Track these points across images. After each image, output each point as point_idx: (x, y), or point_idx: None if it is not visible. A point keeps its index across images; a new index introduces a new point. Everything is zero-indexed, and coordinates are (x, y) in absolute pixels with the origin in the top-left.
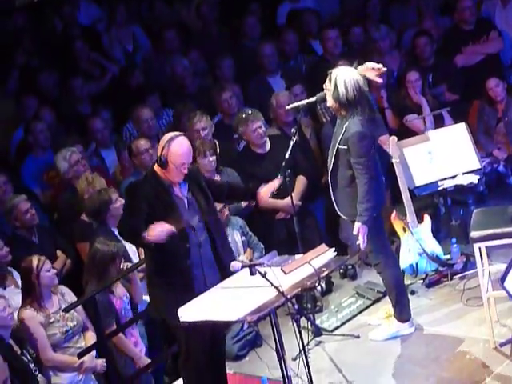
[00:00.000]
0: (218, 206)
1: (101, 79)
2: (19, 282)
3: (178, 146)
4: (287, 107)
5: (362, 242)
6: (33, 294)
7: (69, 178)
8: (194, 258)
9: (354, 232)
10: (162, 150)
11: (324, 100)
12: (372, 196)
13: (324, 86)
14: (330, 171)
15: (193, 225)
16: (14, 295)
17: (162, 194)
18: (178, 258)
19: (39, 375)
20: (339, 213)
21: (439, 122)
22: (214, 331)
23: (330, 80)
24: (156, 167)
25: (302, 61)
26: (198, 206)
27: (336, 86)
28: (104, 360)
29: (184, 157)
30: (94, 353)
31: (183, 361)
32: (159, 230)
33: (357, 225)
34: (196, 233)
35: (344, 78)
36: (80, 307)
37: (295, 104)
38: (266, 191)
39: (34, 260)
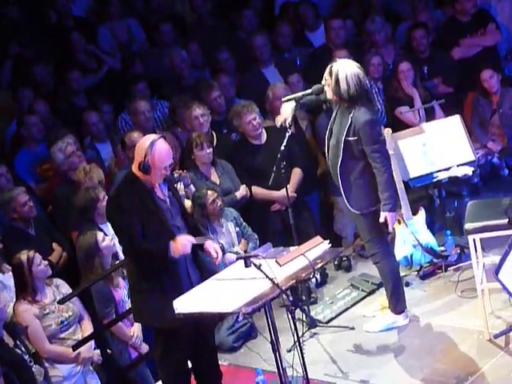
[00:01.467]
0: (212, 196)
1: (97, 72)
2: None
3: (160, 150)
4: (283, 99)
5: (391, 229)
6: (27, 289)
7: (64, 170)
8: (179, 257)
9: (381, 220)
10: (146, 157)
11: (320, 92)
12: (392, 182)
13: (324, 78)
14: (338, 166)
15: (177, 224)
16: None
17: (145, 199)
18: (165, 259)
19: (35, 366)
20: (350, 208)
21: (430, 115)
22: (200, 330)
23: (331, 74)
24: (135, 171)
25: (296, 53)
26: (179, 205)
27: (337, 81)
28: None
29: (167, 159)
30: (91, 343)
31: (158, 362)
32: (184, 245)
33: (383, 214)
34: (180, 232)
35: (345, 72)
36: (76, 298)
37: (291, 96)
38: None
39: (23, 256)
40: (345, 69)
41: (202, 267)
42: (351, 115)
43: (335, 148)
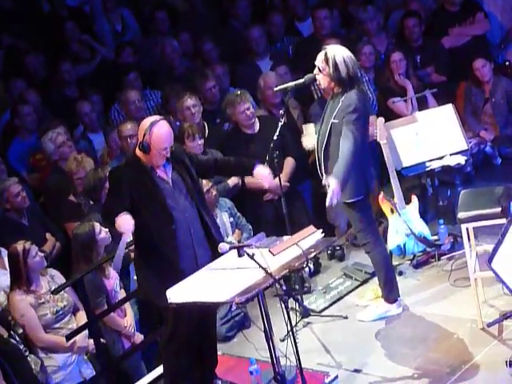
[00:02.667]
0: (206, 186)
1: (91, 61)
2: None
3: (160, 131)
4: (275, 89)
5: (331, 198)
6: (21, 279)
7: (55, 160)
8: (182, 239)
9: (325, 182)
10: (144, 136)
11: (312, 82)
12: (351, 162)
13: (317, 68)
14: (322, 149)
15: (179, 205)
16: (1, 276)
17: (144, 178)
18: (163, 240)
19: (31, 356)
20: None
21: (423, 104)
22: (203, 315)
23: (327, 60)
24: (137, 152)
25: (288, 43)
26: (185, 185)
27: (336, 65)
28: None
29: (166, 141)
30: (86, 333)
31: (165, 342)
32: (124, 224)
33: (334, 181)
34: (183, 213)
35: (342, 55)
36: (70, 289)
37: (283, 86)
38: (264, 176)
39: (19, 246)
40: (340, 52)
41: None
42: (341, 98)
43: (323, 134)
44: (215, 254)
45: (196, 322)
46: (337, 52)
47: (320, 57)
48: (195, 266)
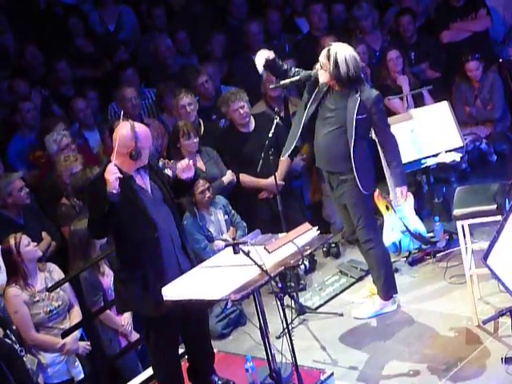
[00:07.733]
0: (202, 186)
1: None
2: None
3: (146, 133)
4: (271, 86)
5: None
6: (18, 272)
7: (55, 161)
8: (165, 246)
9: (398, 195)
10: (136, 143)
11: (308, 79)
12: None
13: (319, 63)
14: (352, 146)
15: (160, 213)
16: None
17: (123, 187)
18: (147, 249)
19: (27, 355)
20: (363, 191)
21: (419, 101)
22: (190, 313)
23: (329, 57)
24: (114, 160)
25: (285, 40)
26: (162, 193)
27: (337, 64)
28: (87, 343)
29: (150, 139)
30: (76, 335)
31: (150, 351)
32: (110, 176)
33: (399, 189)
34: (164, 220)
35: (344, 54)
36: (68, 285)
37: (279, 83)
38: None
39: (11, 239)
40: (343, 51)
41: (192, 256)
42: (358, 95)
43: (338, 131)
44: (192, 263)
45: (182, 324)
46: (340, 50)
47: (323, 53)
48: (179, 273)
